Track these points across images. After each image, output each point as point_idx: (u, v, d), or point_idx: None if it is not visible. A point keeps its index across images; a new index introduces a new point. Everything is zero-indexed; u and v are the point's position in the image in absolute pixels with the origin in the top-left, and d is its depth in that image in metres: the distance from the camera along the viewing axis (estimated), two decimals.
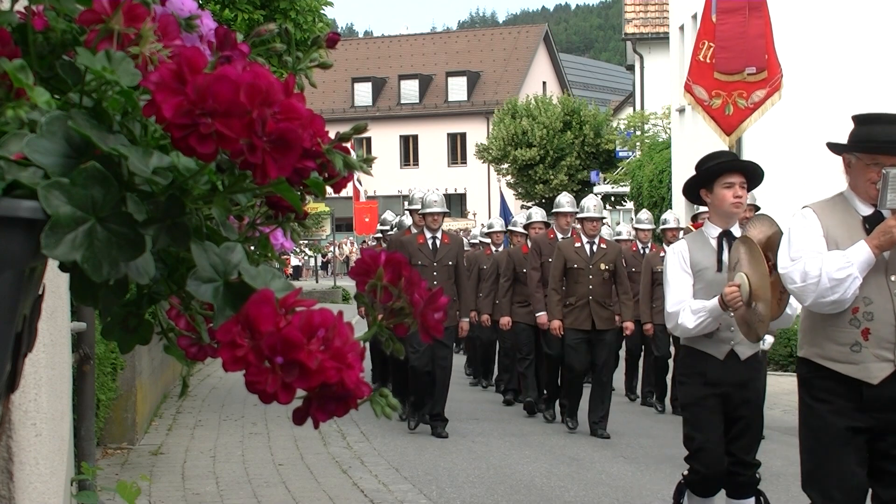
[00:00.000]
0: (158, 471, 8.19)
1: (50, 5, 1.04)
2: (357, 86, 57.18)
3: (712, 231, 5.64)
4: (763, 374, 6.01)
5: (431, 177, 54.68)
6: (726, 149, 8.73)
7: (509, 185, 42.51)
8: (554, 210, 11.86)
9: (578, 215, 11.02)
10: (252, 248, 1.16)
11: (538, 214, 13.19)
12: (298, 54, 1.25)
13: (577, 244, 10.80)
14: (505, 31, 62.54)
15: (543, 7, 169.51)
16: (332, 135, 1.04)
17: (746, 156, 9.18)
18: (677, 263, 5.59)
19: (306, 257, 45.98)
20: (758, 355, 5.73)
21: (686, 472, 5.78)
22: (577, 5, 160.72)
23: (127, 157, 0.92)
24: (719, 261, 5.54)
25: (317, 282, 41.83)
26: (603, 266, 10.66)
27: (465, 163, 54.31)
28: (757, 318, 5.14)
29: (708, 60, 9.97)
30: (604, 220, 11.52)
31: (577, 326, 10.67)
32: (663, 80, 28.77)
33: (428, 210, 10.77)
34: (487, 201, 51.72)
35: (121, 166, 0.93)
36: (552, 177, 40.90)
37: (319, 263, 48.00)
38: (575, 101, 43.69)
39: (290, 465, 8.61)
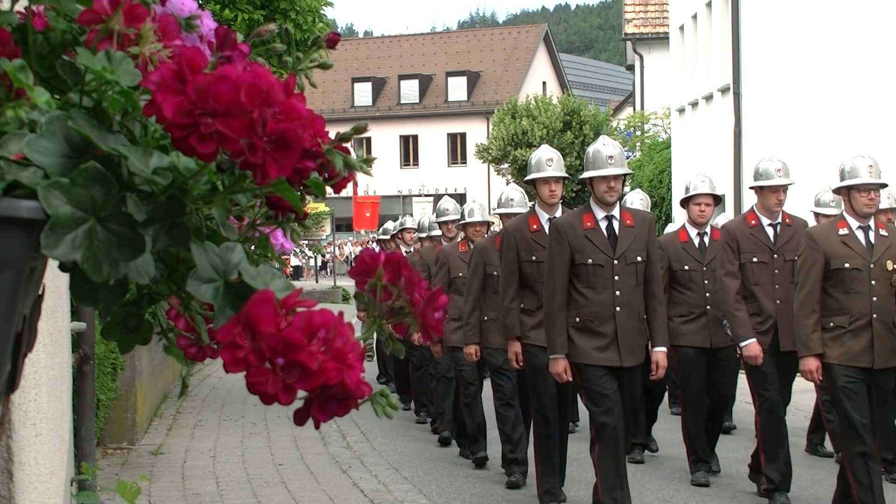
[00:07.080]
0: (158, 471, 8.19)
1: (50, 5, 1.04)
2: (357, 86, 57.16)
3: None
4: None
5: (431, 177, 54.74)
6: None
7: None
8: (755, 183, 7.78)
9: (843, 182, 6.86)
10: (252, 248, 1.16)
11: (705, 186, 8.69)
12: (298, 54, 1.25)
13: (843, 230, 6.80)
14: (505, 31, 62.50)
15: (543, 7, 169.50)
16: (332, 135, 1.04)
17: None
18: None
19: (306, 257, 45.98)
20: None
21: None
22: (577, 5, 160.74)
23: (127, 157, 0.92)
24: None
25: (317, 282, 41.84)
26: (891, 265, 6.78)
27: (465, 163, 54.26)
28: None
29: None
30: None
31: (852, 363, 6.71)
32: (663, 80, 28.76)
33: (601, 172, 6.69)
34: (488, 202, 51.71)
35: (121, 166, 0.93)
36: None
37: (319, 263, 48.00)
38: (575, 101, 43.63)
39: (290, 465, 8.60)
